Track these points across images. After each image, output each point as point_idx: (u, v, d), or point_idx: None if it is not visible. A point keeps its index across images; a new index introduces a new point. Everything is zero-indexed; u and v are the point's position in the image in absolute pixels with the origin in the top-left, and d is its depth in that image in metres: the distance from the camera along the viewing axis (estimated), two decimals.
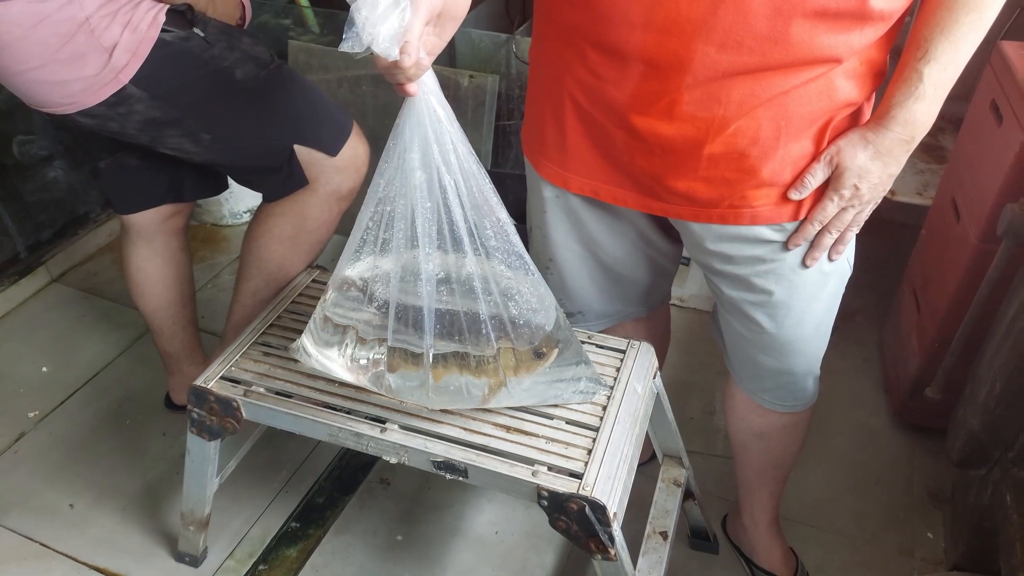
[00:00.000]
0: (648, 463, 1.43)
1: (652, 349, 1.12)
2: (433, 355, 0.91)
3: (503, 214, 0.87)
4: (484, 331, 0.89)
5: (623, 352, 1.11)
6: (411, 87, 0.74)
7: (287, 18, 2.12)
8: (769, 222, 0.90)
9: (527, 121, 1.03)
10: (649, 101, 0.83)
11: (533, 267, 0.91)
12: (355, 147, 1.26)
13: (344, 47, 0.67)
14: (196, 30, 1.10)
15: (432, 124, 0.79)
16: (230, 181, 1.37)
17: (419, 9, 0.68)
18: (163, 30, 1.06)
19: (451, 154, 0.81)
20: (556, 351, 0.96)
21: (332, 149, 1.22)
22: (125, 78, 1.06)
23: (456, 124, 0.81)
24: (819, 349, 1.07)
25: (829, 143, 0.86)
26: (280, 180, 1.23)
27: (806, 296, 0.98)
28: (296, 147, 1.20)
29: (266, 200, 1.29)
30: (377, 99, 2.00)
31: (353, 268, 0.93)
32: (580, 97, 0.90)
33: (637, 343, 1.12)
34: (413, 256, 0.86)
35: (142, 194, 1.36)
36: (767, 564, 1.32)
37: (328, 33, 2.08)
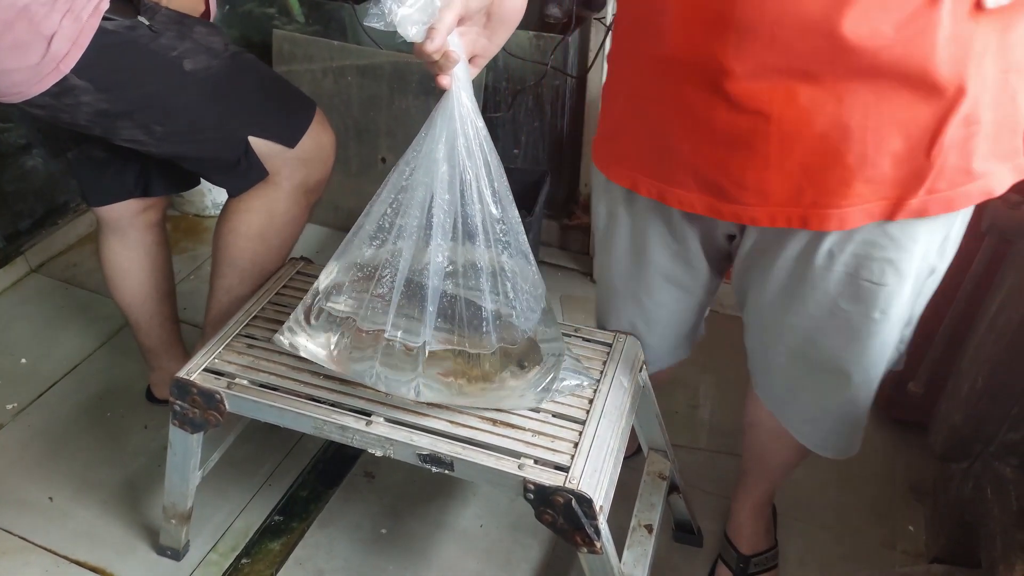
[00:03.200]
0: (633, 456, 1.43)
1: (638, 343, 1.12)
2: (429, 350, 0.91)
3: (515, 211, 0.87)
4: (485, 329, 0.89)
5: (609, 345, 1.11)
6: (443, 79, 0.75)
7: (272, 7, 2.09)
8: (863, 223, 0.79)
9: (602, 125, 0.96)
10: (701, 71, 0.76)
11: (535, 266, 0.91)
12: (317, 137, 1.23)
13: (368, 22, 0.69)
14: (142, 18, 1.06)
15: (460, 118, 0.79)
16: None
17: (453, 0, 0.70)
18: (105, 18, 1.03)
19: (475, 148, 0.82)
20: (537, 367, 0.96)
21: (290, 141, 1.20)
22: (66, 68, 1.02)
23: (482, 120, 0.81)
24: (863, 393, 1.00)
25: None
26: (239, 174, 1.20)
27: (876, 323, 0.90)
28: (252, 139, 1.17)
29: (230, 195, 1.27)
30: (362, 90, 1.98)
31: (362, 254, 0.92)
32: (641, 87, 0.85)
33: (623, 336, 1.12)
34: (423, 247, 0.86)
35: (109, 186, 1.33)
36: (733, 537, 1.34)
37: (313, 23, 2.06)
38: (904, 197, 0.77)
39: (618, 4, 0.88)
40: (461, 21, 0.73)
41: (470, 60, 0.79)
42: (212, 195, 2.17)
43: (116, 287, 1.43)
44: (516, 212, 0.87)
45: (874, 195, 0.77)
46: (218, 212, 2.19)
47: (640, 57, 0.83)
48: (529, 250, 0.90)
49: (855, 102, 0.72)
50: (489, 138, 0.83)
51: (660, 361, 1.18)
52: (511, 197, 0.87)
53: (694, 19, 0.73)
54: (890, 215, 0.78)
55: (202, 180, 1.41)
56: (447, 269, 0.87)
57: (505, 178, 0.86)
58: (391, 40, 1.94)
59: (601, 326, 1.17)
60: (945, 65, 0.69)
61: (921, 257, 0.83)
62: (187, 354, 1.56)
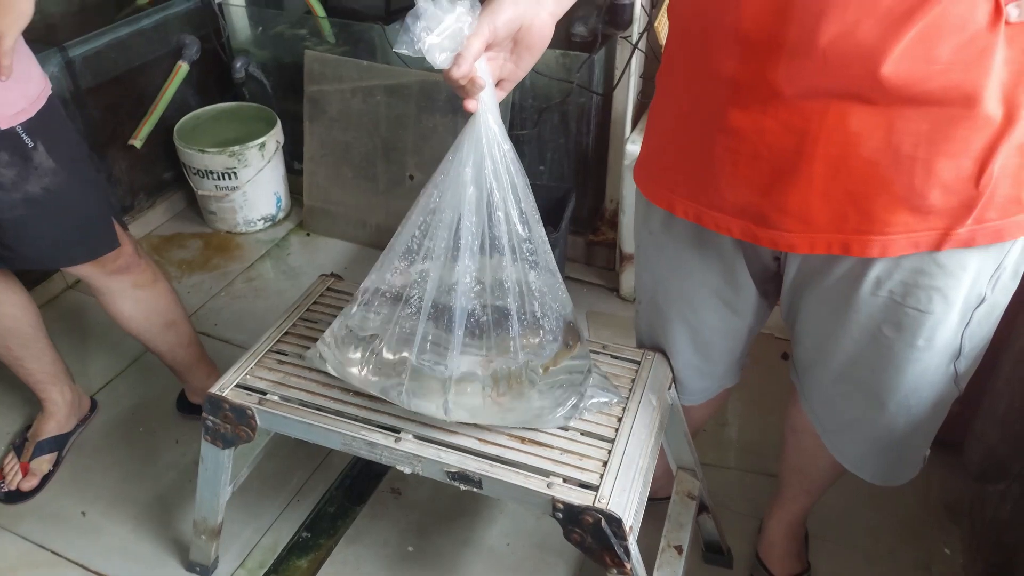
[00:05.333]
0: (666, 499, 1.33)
1: (666, 361, 1.11)
2: (458, 371, 0.91)
3: (541, 230, 0.88)
4: (512, 348, 0.90)
5: (638, 363, 1.10)
6: (470, 104, 0.77)
7: (303, 28, 2.13)
8: (908, 252, 0.78)
9: (645, 145, 0.96)
10: (750, 91, 0.75)
11: (563, 283, 0.92)
12: None
13: (398, 48, 0.72)
14: None
15: (487, 141, 0.81)
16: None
17: (480, 28, 0.72)
18: None
19: (502, 170, 0.83)
20: (579, 343, 0.96)
21: None
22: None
23: (509, 142, 0.83)
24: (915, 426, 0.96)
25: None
26: None
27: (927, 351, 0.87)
28: None
29: None
30: (391, 109, 2.01)
31: (392, 275, 0.94)
32: (687, 107, 0.84)
33: (652, 354, 1.11)
34: (451, 268, 0.87)
35: None
36: (765, 558, 1.32)
37: (343, 43, 2.09)
38: (952, 227, 0.75)
39: (669, 23, 0.87)
40: (488, 47, 0.75)
41: (497, 84, 0.80)
42: (243, 212, 2.20)
43: (121, 327, 1.45)
44: (543, 231, 0.88)
45: (920, 225, 0.75)
46: (250, 228, 2.23)
47: (686, 76, 0.83)
48: (556, 268, 0.91)
49: (906, 129, 0.70)
50: (517, 160, 0.84)
51: (708, 389, 1.14)
52: (538, 216, 0.88)
53: (746, 40, 0.72)
54: (936, 246, 0.76)
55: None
56: (475, 289, 0.88)
57: (532, 198, 0.86)
58: (419, 60, 1.97)
59: (641, 344, 1.15)
60: (999, 89, 0.68)
61: (970, 285, 0.80)
62: (212, 370, 1.59)
